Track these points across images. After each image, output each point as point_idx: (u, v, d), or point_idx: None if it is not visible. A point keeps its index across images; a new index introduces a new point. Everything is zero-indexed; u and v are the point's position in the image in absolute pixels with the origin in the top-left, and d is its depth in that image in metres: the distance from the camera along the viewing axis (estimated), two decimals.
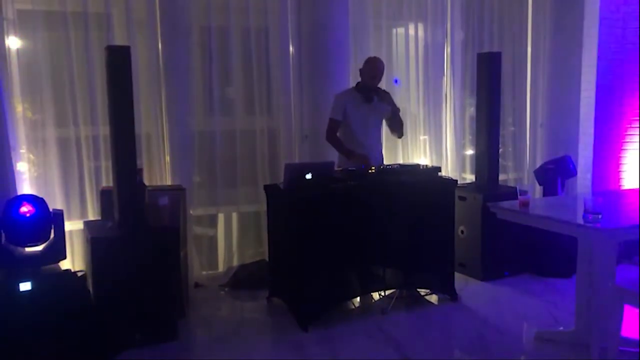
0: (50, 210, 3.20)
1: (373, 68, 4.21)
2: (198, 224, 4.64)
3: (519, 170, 5.71)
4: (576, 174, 4.94)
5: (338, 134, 4.25)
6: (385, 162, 4.50)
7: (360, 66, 4.29)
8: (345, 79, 4.65)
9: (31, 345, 3.00)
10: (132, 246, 3.38)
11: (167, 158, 4.39)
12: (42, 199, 3.17)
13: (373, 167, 4.05)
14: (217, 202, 4.60)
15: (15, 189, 3.78)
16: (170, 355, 3.36)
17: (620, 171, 5.51)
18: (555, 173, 4.83)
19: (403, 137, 4.72)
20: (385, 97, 4.30)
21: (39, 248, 3.16)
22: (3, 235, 3.10)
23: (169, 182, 4.35)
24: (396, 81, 4.88)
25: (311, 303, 3.71)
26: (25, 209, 3.07)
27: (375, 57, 4.31)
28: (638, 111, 5.42)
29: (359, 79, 4.30)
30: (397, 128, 4.40)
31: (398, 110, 4.37)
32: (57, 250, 3.22)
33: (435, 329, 3.73)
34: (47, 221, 3.15)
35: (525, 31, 5.60)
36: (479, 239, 4.52)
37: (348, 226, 3.75)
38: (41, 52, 4.00)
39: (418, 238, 3.97)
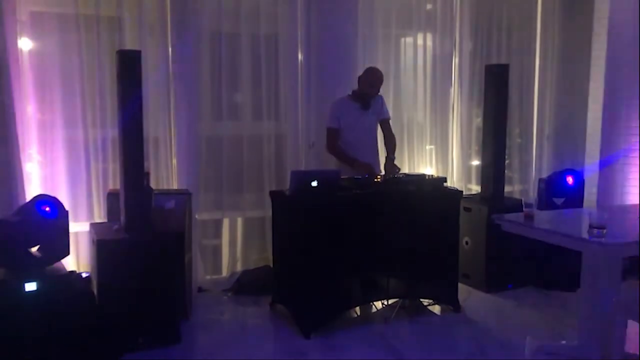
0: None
1: (374, 77, 4.30)
2: (204, 235, 4.65)
3: (525, 182, 5.70)
4: (573, 188, 4.87)
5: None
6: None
7: (360, 74, 4.35)
8: (353, 88, 4.66)
9: (35, 345, 3.02)
10: (137, 249, 3.40)
11: (174, 162, 4.41)
12: (58, 200, 3.17)
13: (379, 176, 4.06)
14: (222, 207, 4.62)
15: (24, 190, 3.81)
16: (172, 358, 3.36)
17: (626, 185, 5.49)
18: (546, 186, 4.80)
19: (409, 147, 4.75)
20: (379, 102, 4.41)
21: (44, 247, 3.17)
22: (13, 235, 3.09)
23: (175, 186, 4.37)
24: None
25: (314, 310, 3.71)
26: (43, 209, 3.08)
27: (375, 67, 4.40)
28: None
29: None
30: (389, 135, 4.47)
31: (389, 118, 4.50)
32: (61, 249, 3.24)
33: (437, 339, 3.72)
34: (62, 223, 3.16)
35: (534, 43, 5.60)
36: (484, 251, 4.52)
37: (353, 234, 3.75)
38: (52, 54, 4.04)
39: (422, 248, 3.97)
